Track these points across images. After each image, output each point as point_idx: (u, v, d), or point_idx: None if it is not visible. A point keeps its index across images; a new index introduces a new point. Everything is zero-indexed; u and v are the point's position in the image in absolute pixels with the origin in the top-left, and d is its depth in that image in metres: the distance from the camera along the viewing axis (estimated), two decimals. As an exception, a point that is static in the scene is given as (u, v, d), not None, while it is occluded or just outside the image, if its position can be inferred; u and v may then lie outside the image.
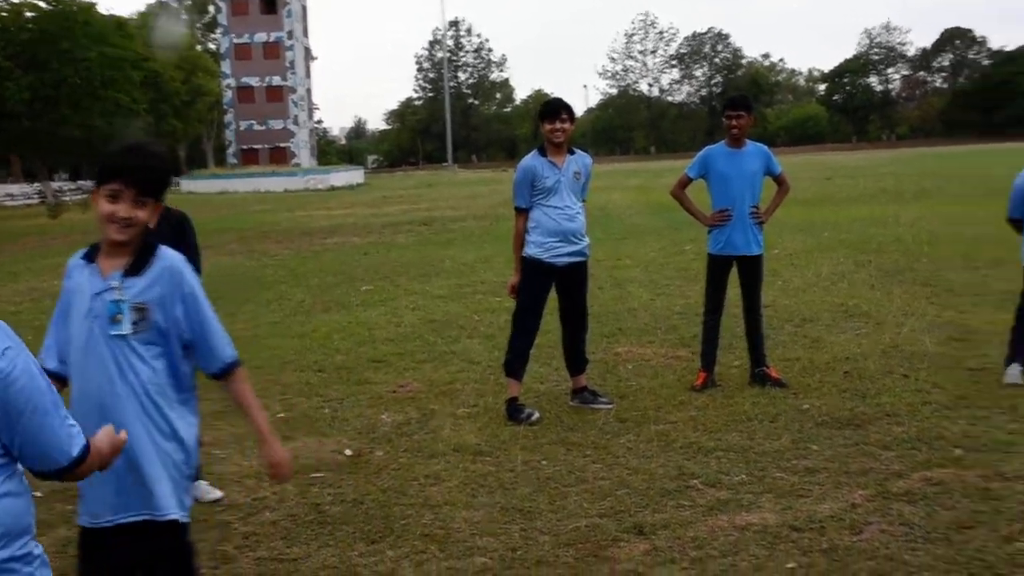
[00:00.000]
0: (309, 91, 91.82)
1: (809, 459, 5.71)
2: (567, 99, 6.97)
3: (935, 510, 4.83)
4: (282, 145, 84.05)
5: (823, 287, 12.11)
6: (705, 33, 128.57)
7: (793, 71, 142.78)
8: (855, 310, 10.42)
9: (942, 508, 4.85)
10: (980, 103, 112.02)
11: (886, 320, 9.77)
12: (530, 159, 6.93)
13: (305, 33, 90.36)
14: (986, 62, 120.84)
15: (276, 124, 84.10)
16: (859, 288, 11.87)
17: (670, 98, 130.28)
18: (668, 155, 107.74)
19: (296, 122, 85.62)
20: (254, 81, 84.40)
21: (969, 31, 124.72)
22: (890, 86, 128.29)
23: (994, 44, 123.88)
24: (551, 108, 6.93)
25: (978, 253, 13.89)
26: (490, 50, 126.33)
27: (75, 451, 2.37)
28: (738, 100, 7.69)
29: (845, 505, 4.95)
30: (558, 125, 6.82)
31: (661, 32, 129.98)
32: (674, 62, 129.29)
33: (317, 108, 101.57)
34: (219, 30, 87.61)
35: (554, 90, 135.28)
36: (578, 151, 7.05)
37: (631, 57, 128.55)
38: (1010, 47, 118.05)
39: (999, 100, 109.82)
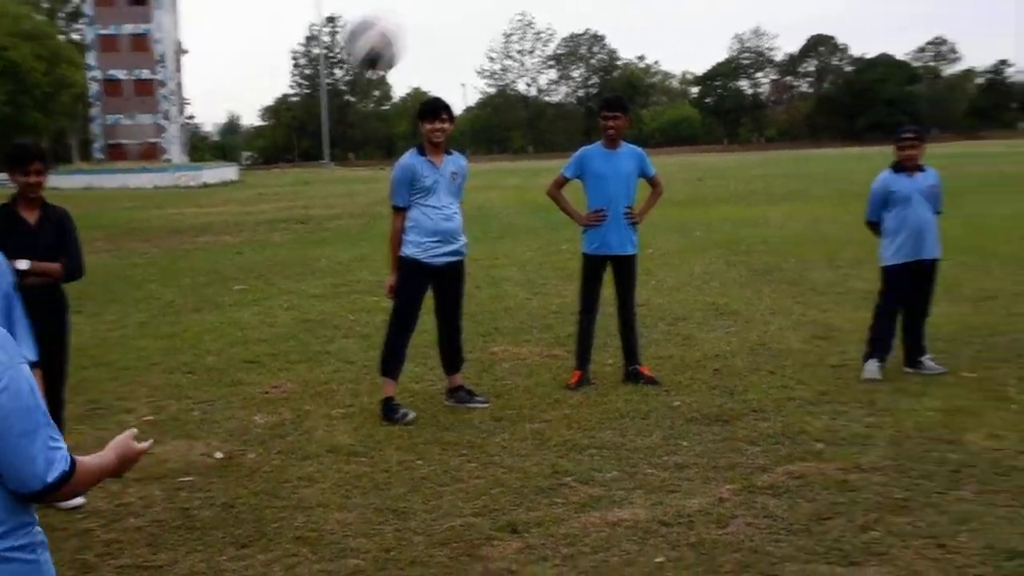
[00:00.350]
0: (180, 85, 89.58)
1: (679, 455, 5.84)
2: (445, 98, 6.96)
3: (797, 502, 5.00)
4: (152, 140, 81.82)
5: (695, 286, 12.39)
6: (582, 35, 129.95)
7: (667, 73, 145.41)
8: (725, 309, 10.69)
9: (804, 500, 5.02)
10: (843, 108, 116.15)
11: (754, 318, 10.05)
12: (409, 157, 6.91)
13: (176, 26, 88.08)
14: (848, 69, 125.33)
15: (145, 119, 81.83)
16: (730, 287, 12.19)
17: (548, 98, 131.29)
18: (546, 155, 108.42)
19: (166, 117, 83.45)
20: (121, 74, 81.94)
21: (832, 38, 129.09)
22: (759, 90, 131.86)
23: (856, 52, 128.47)
24: (431, 108, 6.91)
25: (840, 253, 14.42)
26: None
27: (50, 477, 2.20)
28: (614, 101, 7.80)
29: (713, 499, 5.08)
30: (438, 125, 6.81)
31: (539, 33, 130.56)
32: (551, 63, 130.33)
33: (189, 103, 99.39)
34: (83, 20, 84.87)
35: (432, 88, 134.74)
36: (455, 152, 7.05)
37: (509, 57, 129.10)
38: (870, 55, 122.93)
39: (860, 106, 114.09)
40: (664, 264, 14.45)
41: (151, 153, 80.00)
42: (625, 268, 7.68)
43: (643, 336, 8.39)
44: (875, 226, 7.81)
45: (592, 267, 7.67)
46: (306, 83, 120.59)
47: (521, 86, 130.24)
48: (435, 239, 6.83)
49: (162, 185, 58.81)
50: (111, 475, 2.44)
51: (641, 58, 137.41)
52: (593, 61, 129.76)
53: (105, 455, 2.39)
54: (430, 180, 6.80)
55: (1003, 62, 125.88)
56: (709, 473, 5.50)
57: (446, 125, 6.83)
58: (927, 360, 7.66)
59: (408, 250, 6.84)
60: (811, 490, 5.17)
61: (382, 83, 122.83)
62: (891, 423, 6.29)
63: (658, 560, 4.40)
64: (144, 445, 2.48)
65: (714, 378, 7.66)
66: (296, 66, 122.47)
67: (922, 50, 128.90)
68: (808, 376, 7.59)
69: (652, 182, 7.82)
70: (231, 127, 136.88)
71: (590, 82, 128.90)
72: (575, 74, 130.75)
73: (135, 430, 2.49)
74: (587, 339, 7.68)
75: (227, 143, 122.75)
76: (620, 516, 4.90)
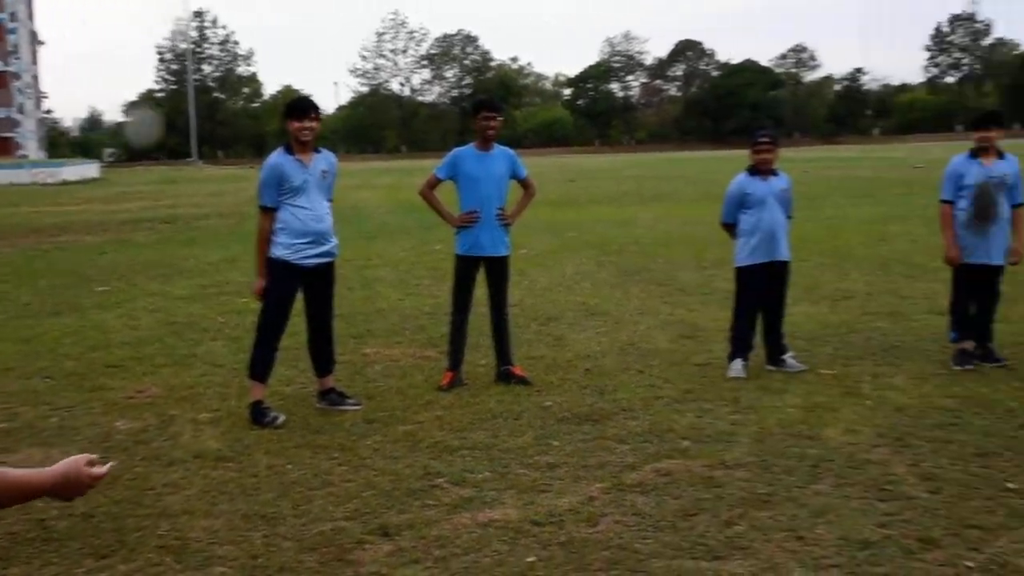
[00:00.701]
0: (36, 78, 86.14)
1: (550, 455, 5.89)
2: (317, 96, 6.90)
3: (664, 499, 5.10)
4: (6, 135, 78.42)
5: (567, 286, 12.53)
6: (455, 35, 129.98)
7: (540, 75, 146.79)
8: (596, 309, 10.84)
9: (670, 497, 5.13)
10: (710, 112, 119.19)
11: (624, 319, 10.22)
12: (276, 157, 6.78)
13: (30, 16, 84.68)
14: (715, 74, 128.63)
15: (-2, 112, 78.50)
16: (600, 288, 12.37)
17: (421, 98, 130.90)
18: (420, 154, 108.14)
19: (22, 111, 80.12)
20: (-29, 66, 78.41)
21: (700, 44, 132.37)
22: (630, 93, 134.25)
23: (722, 57, 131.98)
24: (299, 106, 6.82)
25: (706, 254, 14.78)
26: (236, 43, 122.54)
27: None
28: (493, 102, 7.83)
29: (583, 498, 5.15)
30: (307, 124, 6.72)
31: (412, 32, 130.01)
32: (425, 62, 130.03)
33: (46, 96, 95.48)
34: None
35: (304, 87, 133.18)
36: (323, 150, 6.96)
37: (382, 56, 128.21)
38: (736, 60, 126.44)
39: (727, 110, 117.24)
40: (537, 264, 14.57)
41: (5, 149, 76.68)
42: (498, 269, 7.72)
43: (515, 336, 8.44)
44: (730, 228, 8.03)
45: (465, 268, 7.68)
46: (173, 79, 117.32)
47: (395, 85, 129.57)
48: (305, 240, 6.74)
49: (18, 182, 56.39)
50: (55, 496, 2.26)
51: (514, 59, 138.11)
52: (467, 62, 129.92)
53: (45, 472, 2.22)
54: (299, 180, 6.69)
55: (859, 70, 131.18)
56: (579, 472, 5.57)
57: (315, 124, 6.75)
58: (788, 358, 7.91)
59: (278, 251, 6.73)
60: (678, 487, 5.28)
61: (252, 80, 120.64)
62: (755, 420, 6.47)
63: (529, 560, 4.43)
64: (101, 470, 2.30)
65: (585, 378, 7.76)
66: (162, 61, 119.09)
67: (784, 57, 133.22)
68: (675, 375, 7.76)
69: (524, 184, 7.87)
70: (92, 123, 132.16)
71: (464, 82, 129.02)
72: (449, 74, 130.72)
73: (93, 455, 2.32)
74: (460, 340, 7.68)
75: (88, 139, 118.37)
76: (491, 516, 4.91)
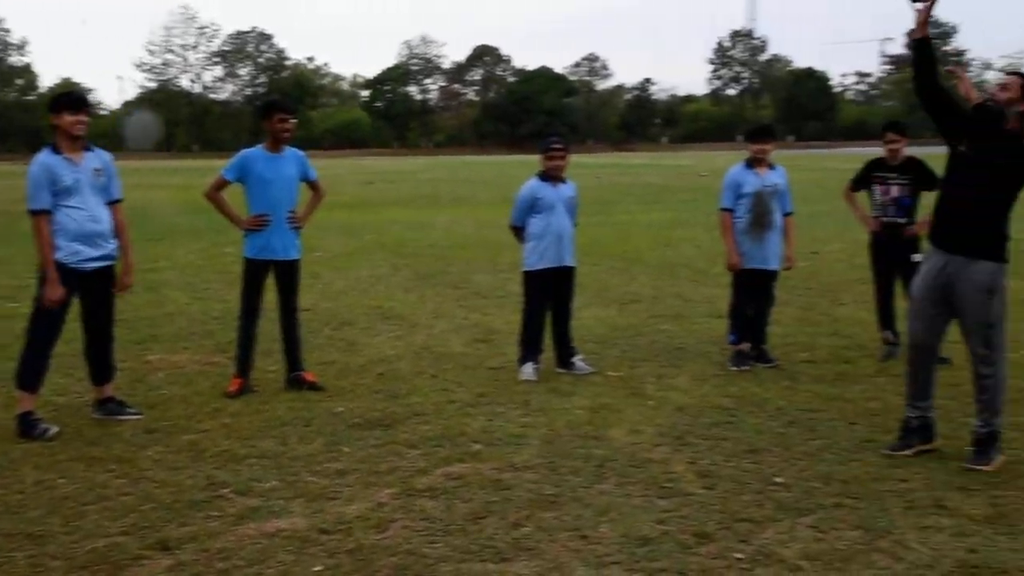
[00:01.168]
0: None
1: (340, 461, 5.82)
2: (99, 90, 6.62)
3: (454, 503, 5.13)
4: None
5: (362, 290, 12.44)
6: (249, 32, 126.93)
7: (337, 76, 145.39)
8: (391, 313, 10.80)
9: (460, 501, 5.16)
10: (507, 117, 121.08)
11: (419, 322, 10.23)
12: (44, 156, 6.39)
13: None
14: (512, 79, 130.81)
15: None
16: (396, 291, 12.34)
17: (214, 96, 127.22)
18: (212, 154, 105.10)
19: None
20: None
21: (496, 49, 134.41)
22: (428, 96, 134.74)
23: (518, 63, 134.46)
24: (72, 98, 6.50)
25: (502, 257, 14.98)
26: (7, 30, 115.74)
27: None
28: (288, 104, 7.69)
29: (372, 505, 5.11)
30: (82, 117, 6.40)
31: (203, 28, 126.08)
32: (217, 59, 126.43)
33: None
34: None
35: (85, 80, 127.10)
36: (95, 147, 6.63)
37: (171, 51, 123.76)
38: (531, 67, 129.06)
39: (523, 115, 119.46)
40: (331, 267, 14.39)
41: None
42: (288, 273, 7.56)
43: (307, 341, 8.31)
44: (519, 231, 8.17)
45: (254, 271, 7.49)
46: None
47: (184, 82, 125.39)
48: (82, 243, 6.41)
49: None
50: None
51: (311, 59, 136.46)
52: (261, 60, 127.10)
53: None
54: (70, 179, 6.35)
55: (648, 80, 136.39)
56: (370, 478, 5.53)
57: (87, 118, 6.44)
58: (577, 360, 8.10)
59: (54, 255, 6.36)
60: (467, 490, 5.31)
61: (27, 71, 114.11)
62: (544, 422, 6.59)
63: (316, 569, 4.36)
64: None
65: (377, 383, 7.71)
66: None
67: (577, 65, 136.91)
68: (468, 379, 7.82)
69: (313, 186, 7.74)
70: None
71: (258, 81, 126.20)
72: (242, 72, 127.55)
73: None
74: (249, 345, 7.49)
75: None
76: (278, 526, 4.81)
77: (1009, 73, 5.81)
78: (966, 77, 6.68)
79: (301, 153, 7.63)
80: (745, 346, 8.23)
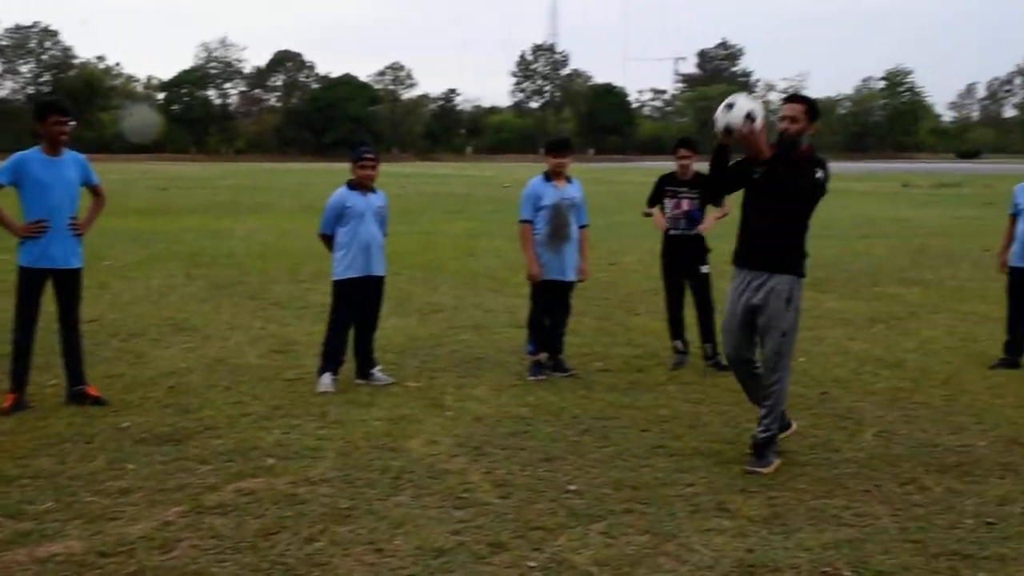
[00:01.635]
0: None
1: (125, 479, 5.57)
2: None
3: (245, 519, 4.98)
4: None
5: (153, 300, 11.97)
6: (30, 27, 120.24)
7: (131, 77, 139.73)
8: (184, 324, 10.43)
9: (252, 517, 5.02)
10: (311, 124, 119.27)
11: (214, 334, 9.92)
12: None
13: None
14: (315, 86, 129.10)
15: None
16: (189, 301, 11.93)
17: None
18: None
19: None
20: None
21: (299, 55, 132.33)
22: (228, 101, 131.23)
23: (321, 70, 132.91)
24: None
25: (303, 267, 14.74)
26: None
27: None
28: (63, 105, 7.27)
29: (158, 524, 4.90)
30: None
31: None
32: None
33: None
34: None
35: None
36: None
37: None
38: (335, 74, 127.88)
39: (327, 123, 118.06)
40: (121, 277, 13.77)
41: None
42: (69, 283, 7.18)
43: (92, 354, 7.94)
44: (328, 239, 8.06)
45: (30, 281, 7.07)
46: None
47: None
48: None
49: None
50: None
51: (101, 58, 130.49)
52: (45, 57, 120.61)
53: None
54: None
55: (453, 91, 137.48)
56: (156, 496, 5.31)
57: None
58: (377, 371, 8.04)
59: None
60: (260, 506, 5.18)
61: None
62: (341, 435, 6.50)
63: (94, 594, 4.15)
64: None
65: (168, 396, 7.43)
66: None
67: (382, 74, 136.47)
68: (264, 391, 7.64)
69: (95, 191, 7.39)
70: None
71: (41, 79, 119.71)
72: (24, 69, 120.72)
73: None
74: (24, 358, 7.06)
75: None
76: (51, 550, 4.54)
77: (790, 100, 6.11)
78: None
79: (82, 157, 7.26)
80: (543, 356, 8.37)
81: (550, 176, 8.35)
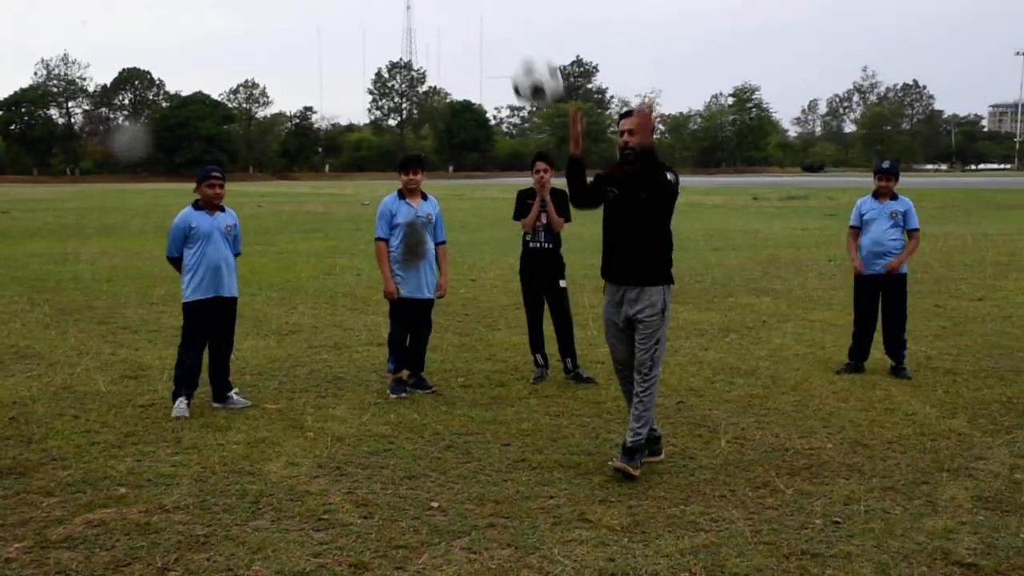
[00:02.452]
0: None
1: (-36, 516, 5.29)
2: None
3: (95, 552, 4.79)
4: None
5: None
6: None
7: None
8: (27, 351, 10.00)
9: (102, 549, 4.83)
10: (161, 143, 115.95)
11: (60, 360, 9.53)
12: None
13: None
14: (165, 104, 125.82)
15: None
16: (33, 328, 11.44)
17: None
18: None
19: None
20: None
21: (148, 72, 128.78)
22: (73, 120, 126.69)
23: (171, 88, 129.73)
24: None
25: (155, 289, 14.31)
26: None
27: None
28: None
29: None
30: None
31: None
32: None
33: None
34: None
35: None
36: None
37: None
38: (186, 92, 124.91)
39: (179, 142, 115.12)
40: (-42, 303, 13.11)
41: None
42: None
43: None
44: (176, 261, 7.84)
45: None
46: None
47: None
48: None
49: None
50: None
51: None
52: None
53: None
54: None
55: (309, 108, 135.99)
56: (-1, 532, 5.06)
57: None
58: (234, 394, 7.86)
59: None
60: (111, 537, 4.99)
61: None
62: (197, 460, 6.33)
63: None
64: None
65: (9, 427, 7.10)
66: None
67: (235, 91, 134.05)
68: (115, 418, 7.37)
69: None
70: None
71: None
72: None
73: None
74: None
75: None
76: None
77: (626, 116, 6.25)
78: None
79: None
80: (404, 373, 8.32)
81: (404, 194, 8.32)
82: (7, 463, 6.22)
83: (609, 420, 7.36)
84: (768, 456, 6.47)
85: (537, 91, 5.99)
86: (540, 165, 8.87)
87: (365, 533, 5.06)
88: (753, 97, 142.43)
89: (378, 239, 8.31)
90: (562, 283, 8.87)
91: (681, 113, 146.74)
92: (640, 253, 6.12)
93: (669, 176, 6.05)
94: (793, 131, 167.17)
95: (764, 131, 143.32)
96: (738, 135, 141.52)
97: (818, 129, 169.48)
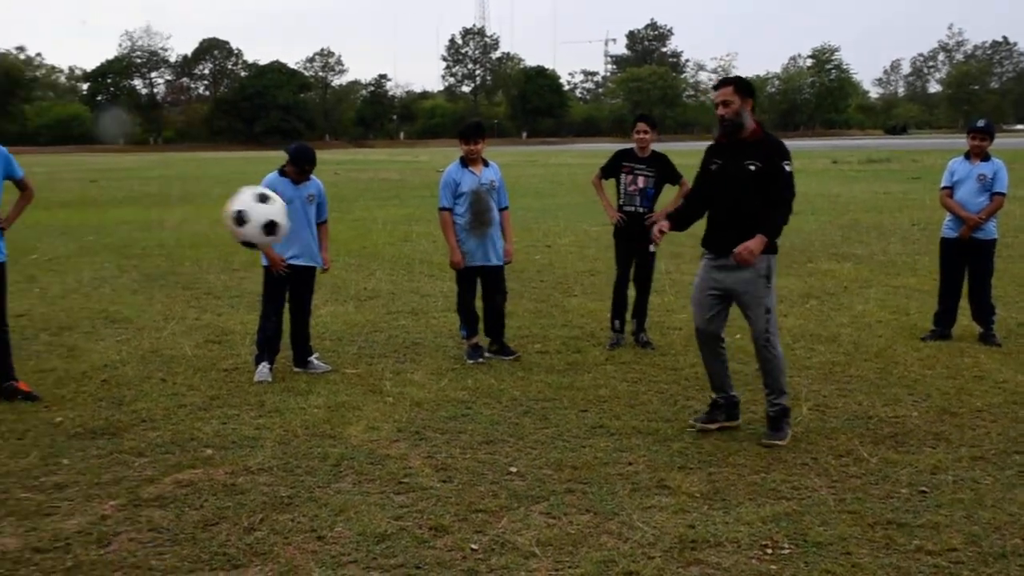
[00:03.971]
0: None
1: (59, 474, 5.47)
2: None
3: (184, 511, 4.92)
4: None
5: (84, 293, 11.74)
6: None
7: (53, 67, 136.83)
8: (116, 316, 10.26)
9: (190, 508, 4.96)
10: (241, 112, 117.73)
11: (147, 325, 9.77)
12: None
13: None
14: (244, 74, 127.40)
15: None
16: (121, 293, 11.73)
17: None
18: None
19: None
20: None
21: (227, 43, 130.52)
22: (155, 90, 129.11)
23: (249, 57, 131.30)
24: None
25: (236, 256, 14.54)
26: None
27: None
28: None
29: (94, 518, 4.82)
30: None
31: None
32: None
33: None
34: None
35: None
36: None
37: None
38: (264, 61, 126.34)
39: (257, 111, 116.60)
40: (50, 270, 13.50)
41: None
42: None
43: (22, 348, 7.78)
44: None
45: None
46: None
47: None
48: None
49: None
50: None
51: (21, 49, 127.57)
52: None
53: None
54: None
55: (383, 76, 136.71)
56: (92, 490, 5.22)
57: None
58: (314, 359, 7.98)
59: None
60: (199, 497, 5.12)
61: None
62: (280, 423, 6.44)
63: (30, 592, 4.07)
64: None
65: (102, 389, 7.31)
66: None
67: (312, 60, 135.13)
68: (200, 381, 7.54)
69: (21, 185, 7.21)
70: None
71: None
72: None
73: None
74: None
75: None
76: (-15, 549, 4.46)
77: (718, 86, 6.16)
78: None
79: (5, 150, 7.09)
80: (478, 339, 8.35)
81: (466, 162, 8.29)
82: (100, 424, 6.41)
83: (687, 387, 7.31)
84: (851, 424, 6.38)
85: (241, 222, 6.17)
86: (641, 126, 8.76)
87: (444, 497, 5.11)
88: (833, 58, 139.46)
89: (442, 209, 8.32)
90: (652, 248, 8.77)
91: (758, 76, 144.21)
92: (746, 225, 5.97)
93: (787, 167, 5.97)
94: (875, 92, 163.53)
95: (844, 93, 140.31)
96: (817, 97, 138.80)
97: (901, 90, 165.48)
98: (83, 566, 4.30)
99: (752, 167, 5.98)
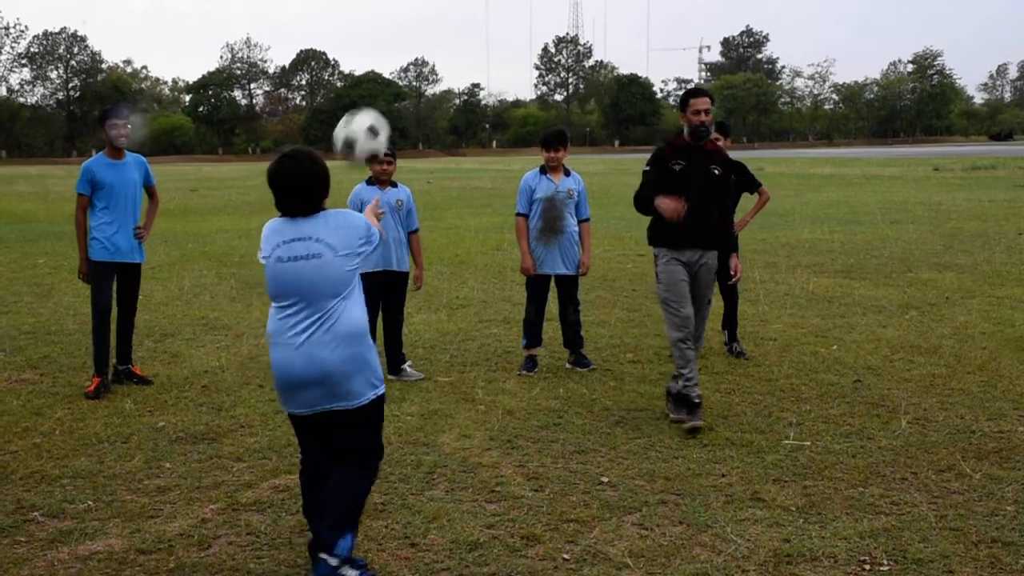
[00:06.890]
0: None
1: (161, 478, 5.62)
2: None
3: (281, 516, 5.02)
4: None
5: (185, 300, 12.05)
6: (59, 33, 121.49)
7: (158, 79, 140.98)
8: (216, 323, 10.51)
9: (287, 513, 5.05)
10: (335, 122, 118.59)
11: (246, 332, 9.98)
12: None
13: None
14: (340, 84, 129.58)
15: None
16: (220, 301, 12.01)
17: (22, 99, 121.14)
18: (23, 160, 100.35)
19: None
20: None
21: (324, 53, 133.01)
22: (254, 101, 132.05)
23: (345, 68, 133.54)
24: None
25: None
26: None
27: None
28: (120, 110, 7.77)
29: (195, 521, 4.95)
30: None
31: (7, 27, 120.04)
32: (24, 61, 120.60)
33: None
34: None
35: None
36: None
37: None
38: (359, 71, 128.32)
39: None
40: (152, 278, 13.88)
41: None
42: (133, 277, 7.84)
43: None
44: None
45: (101, 273, 7.60)
46: None
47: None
48: None
49: None
50: None
51: (128, 62, 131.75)
52: (73, 62, 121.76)
53: None
54: None
55: (476, 85, 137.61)
56: (193, 494, 5.35)
57: None
58: (407, 367, 8.06)
59: None
60: (296, 502, 5.20)
61: None
62: (373, 429, 6.51)
63: (134, 592, 4.19)
64: None
65: (202, 395, 7.49)
66: None
67: (406, 70, 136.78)
68: (294, 387, 7.66)
69: (151, 192, 8.07)
70: None
71: (71, 84, 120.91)
72: (53, 75, 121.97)
73: None
74: (103, 344, 7.60)
75: None
76: (93, 549, 4.60)
77: (697, 95, 6.76)
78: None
79: (143, 158, 7.81)
80: (536, 351, 8.32)
81: (545, 169, 8.31)
82: (201, 428, 6.57)
83: (782, 398, 7.20)
84: (953, 438, 6.21)
85: (349, 145, 6.00)
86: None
87: (536, 506, 5.12)
88: (935, 63, 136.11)
89: (518, 215, 8.35)
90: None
91: (856, 82, 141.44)
92: (702, 221, 6.68)
93: (733, 177, 7.06)
94: (979, 98, 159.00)
95: (947, 98, 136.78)
96: (918, 104, 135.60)
97: (1007, 95, 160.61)
98: (185, 568, 4.41)
99: (716, 171, 6.79)
